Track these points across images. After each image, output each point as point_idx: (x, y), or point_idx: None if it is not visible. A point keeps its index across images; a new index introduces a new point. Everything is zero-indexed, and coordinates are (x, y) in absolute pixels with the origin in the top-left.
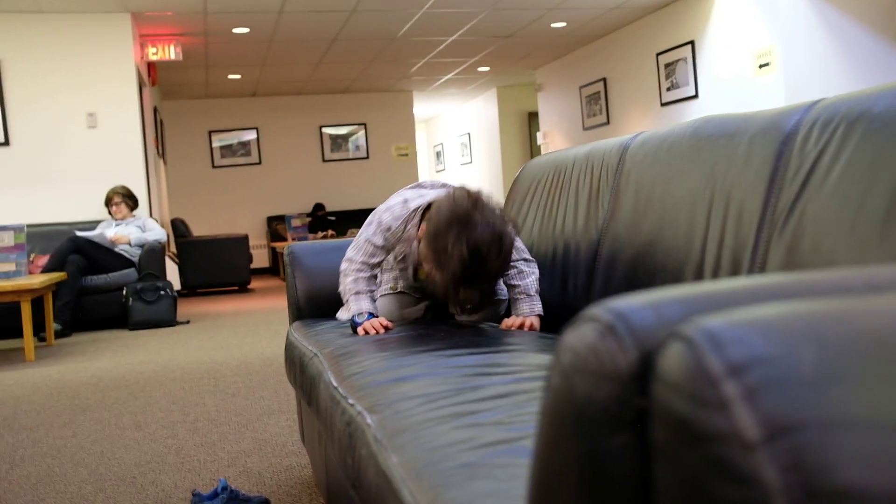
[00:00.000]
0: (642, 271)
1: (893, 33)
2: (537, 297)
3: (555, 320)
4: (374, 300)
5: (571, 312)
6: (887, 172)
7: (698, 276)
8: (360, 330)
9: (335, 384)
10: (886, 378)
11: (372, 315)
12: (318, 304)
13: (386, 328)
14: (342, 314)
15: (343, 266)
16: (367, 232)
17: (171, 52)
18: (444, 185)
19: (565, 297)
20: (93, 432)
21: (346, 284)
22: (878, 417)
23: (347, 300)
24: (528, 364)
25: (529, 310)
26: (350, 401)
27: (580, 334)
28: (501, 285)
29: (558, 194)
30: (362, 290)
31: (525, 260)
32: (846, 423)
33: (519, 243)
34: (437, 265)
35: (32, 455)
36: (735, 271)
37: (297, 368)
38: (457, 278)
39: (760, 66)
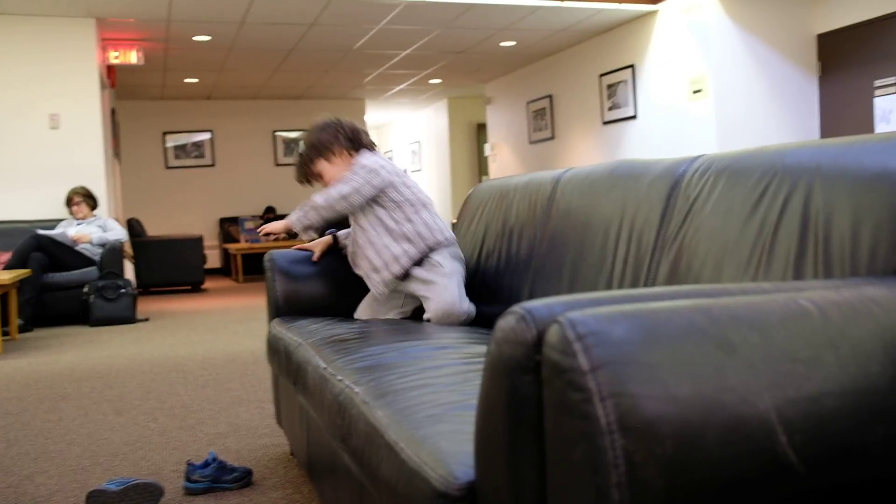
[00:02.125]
0: (566, 279)
1: (812, 67)
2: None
3: (495, 315)
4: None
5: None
6: (736, 212)
7: (608, 283)
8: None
9: (324, 366)
10: (658, 343)
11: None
12: (295, 304)
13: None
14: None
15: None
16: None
17: (132, 57)
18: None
19: (501, 295)
20: (77, 417)
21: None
22: (648, 360)
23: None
24: (468, 353)
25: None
26: (338, 377)
27: (506, 320)
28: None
29: (501, 216)
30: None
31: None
32: (632, 362)
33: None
34: None
35: (25, 436)
36: (635, 281)
37: (283, 356)
38: None
39: (694, 92)
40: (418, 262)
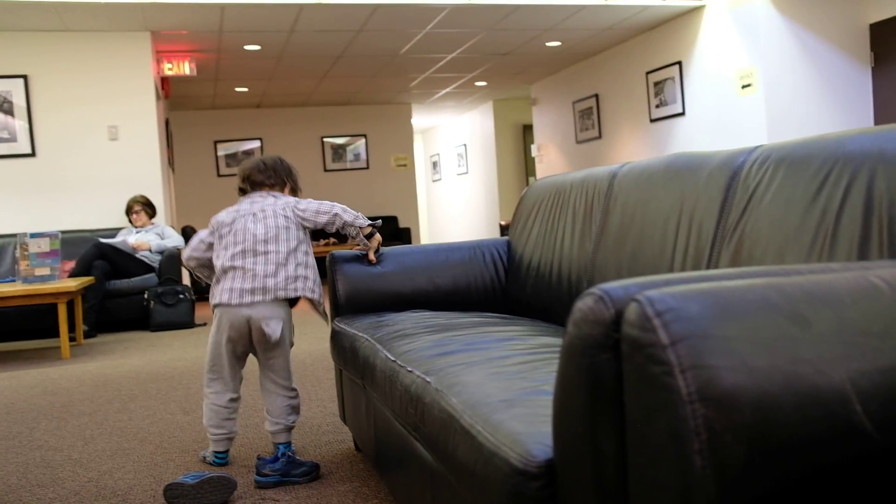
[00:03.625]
0: (625, 270)
1: (865, 57)
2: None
3: (558, 311)
4: None
5: (570, 306)
6: (797, 200)
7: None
8: None
9: (392, 358)
10: (733, 318)
11: None
12: (356, 302)
13: None
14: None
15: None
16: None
17: (185, 68)
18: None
19: (560, 290)
20: (146, 417)
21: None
22: (725, 334)
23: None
24: (532, 344)
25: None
26: (409, 368)
27: (585, 302)
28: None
29: (558, 212)
30: None
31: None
32: (710, 337)
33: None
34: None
35: (100, 434)
36: (695, 270)
37: (348, 352)
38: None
39: (743, 87)
40: None
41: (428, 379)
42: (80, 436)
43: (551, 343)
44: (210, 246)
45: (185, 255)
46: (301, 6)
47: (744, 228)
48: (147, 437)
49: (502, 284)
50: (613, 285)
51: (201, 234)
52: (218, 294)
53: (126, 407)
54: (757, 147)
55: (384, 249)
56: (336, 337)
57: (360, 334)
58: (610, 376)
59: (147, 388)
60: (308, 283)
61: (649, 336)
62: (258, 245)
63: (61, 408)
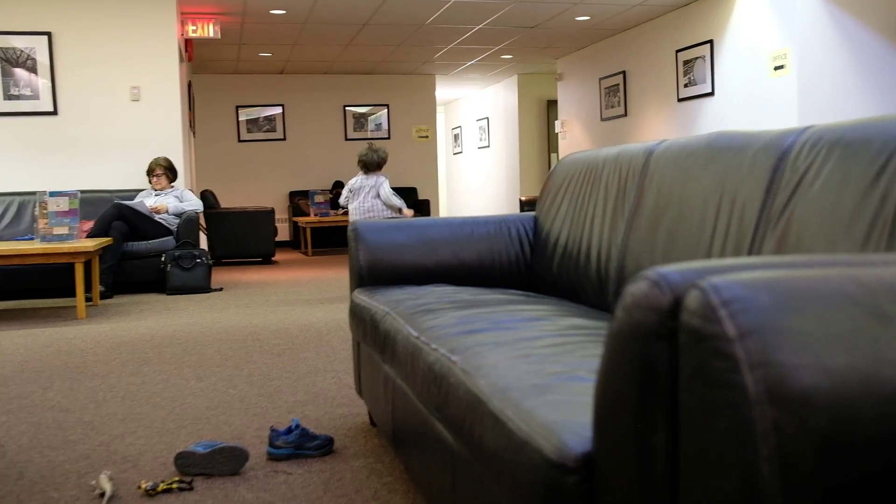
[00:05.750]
0: (660, 257)
1: None
2: None
3: (586, 291)
4: None
5: (599, 286)
6: (853, 185)
7: (706, 258)
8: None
9: (416, 334)
10: (808, 311)
11: None
12: (378, 273)
13: None
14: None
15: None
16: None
17: (209, 31)
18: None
19: (590, 273)
20: (159, 381)
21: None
22: (799, 328)
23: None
24: (562, 325)
25: None
26: (433, 346)
27: (638, 285)
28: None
29: (589, 189)
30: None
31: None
32: (782, 331)
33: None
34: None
35: (112, 397)
36: (736, 255)
37: (368, 325)
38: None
39: (775, 68)
40: None
41: (453, 358)
42: (93, 398)
43: (581, 325)
44: (349, 196)
45: (342, 199)
46: None
47: (791, 213)
48: (159, 402)
49: (527, 261)
50: (670, 269)
51: (345, 192)
52: (353, 214)
53: (139, 370)
54: (807, 128)
55: (409, 220)
56: (356, 308)
57: (382, 307)
58: (663, 368)
59: (161, 351)
60: (379, 214)
61: (713, 327)
62: (366, 201)
63: (75, 369)
